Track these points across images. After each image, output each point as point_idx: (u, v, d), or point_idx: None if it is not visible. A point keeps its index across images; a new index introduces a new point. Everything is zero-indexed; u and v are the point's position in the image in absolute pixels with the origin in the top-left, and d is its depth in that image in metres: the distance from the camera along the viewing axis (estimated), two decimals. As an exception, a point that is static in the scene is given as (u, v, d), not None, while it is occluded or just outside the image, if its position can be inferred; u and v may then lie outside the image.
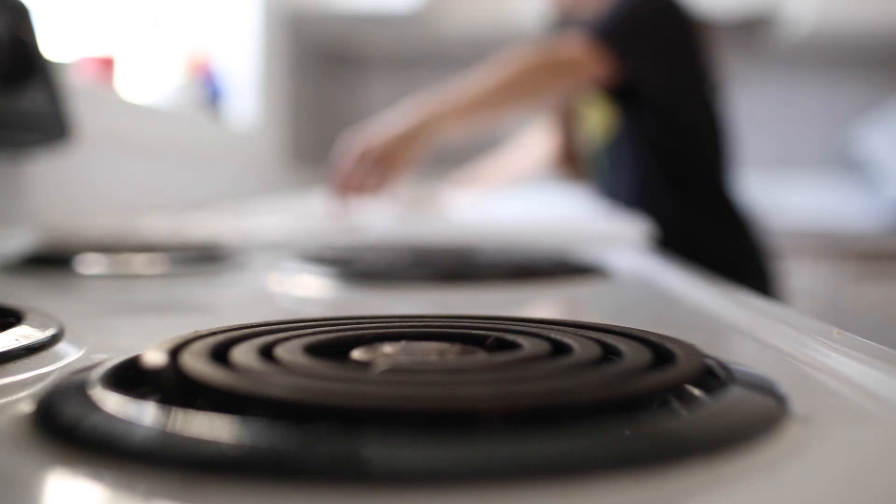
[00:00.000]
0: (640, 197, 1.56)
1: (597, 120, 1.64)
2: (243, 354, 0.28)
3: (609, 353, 0.29)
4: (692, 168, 1.57)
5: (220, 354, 0.28)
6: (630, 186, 1.59)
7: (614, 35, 1.42)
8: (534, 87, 1.42)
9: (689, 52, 1.53)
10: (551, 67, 1.41)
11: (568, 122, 1.86)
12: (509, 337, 0.31)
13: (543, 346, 0.29)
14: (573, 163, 1.92)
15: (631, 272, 0.80)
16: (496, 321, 0.35)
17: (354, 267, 0.69)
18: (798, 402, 0.26)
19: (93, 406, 0.24)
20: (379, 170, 1.29)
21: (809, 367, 0.34)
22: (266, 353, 0.28)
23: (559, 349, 0.29)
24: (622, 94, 1.49)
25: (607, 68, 1.42)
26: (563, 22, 1.75)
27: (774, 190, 2.58)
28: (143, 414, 0.22)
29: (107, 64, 1.52)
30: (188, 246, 0.83)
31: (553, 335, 0.31)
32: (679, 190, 1.56)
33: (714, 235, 1.55)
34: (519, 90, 1.41)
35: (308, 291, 0.65)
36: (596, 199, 1.76)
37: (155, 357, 0.27)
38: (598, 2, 1.56)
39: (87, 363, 0.30)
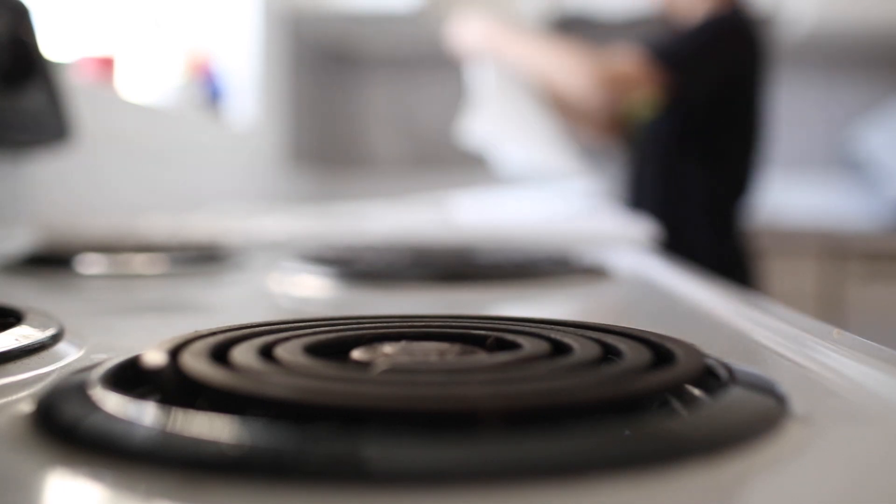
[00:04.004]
0: (645, 190, 1.72)
1: (644, 97, 1.75)
2: (243, 354, 0.27)
3: (609, 353, 0.29)
4: (716, 188, 1.72)
5: (220, 354, 0.28)
6: (644, 175, 1.75)
7: (669, 55, 1.61)
8: (581, 89, 1.62)
9: (744, 82, 1.69)
10: (606, 80, 1.60)
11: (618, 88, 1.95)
12: (509, 337, 0.31)
13: (543, 346, 0.29)
14: (616, 127, 1.95)
15: (631, 272, 0.80)
16: (496, 321, 0.35)
17: (354, 267, 0.69)
18: (798, 402, 0.26)
19: (93, 406, 0.23)
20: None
21: (809, 367, 0.34)
22: (266, 353, 0.28)
23: (559, 349, 0.29)
24: (671, 104, 1.66)
25: (660, 83, 1.60)
26: (662, 20, 1.90)
27: (774, 190, 2.58)
28: (143, 414, 0.22)
29: (107, 64, 1.52)
30: (188, 246, 0.83)
31: (553, 335, 0.31)
32: (699, 208, 1.70)
33: (708, 245, 1.68)
34: (568, 82, 1.63)
35: (308, 291, 0.65)
36: (599, 194, 1.79)
37: (155, 357, 0.27)
38: (696, 9, 1.71)
39: (87, 363, 0.30)
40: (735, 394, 0.26)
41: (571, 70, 1.60)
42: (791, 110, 2.67)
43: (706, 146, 1.70)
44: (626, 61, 1.62)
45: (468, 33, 1.69)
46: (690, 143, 1.69)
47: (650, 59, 1.61)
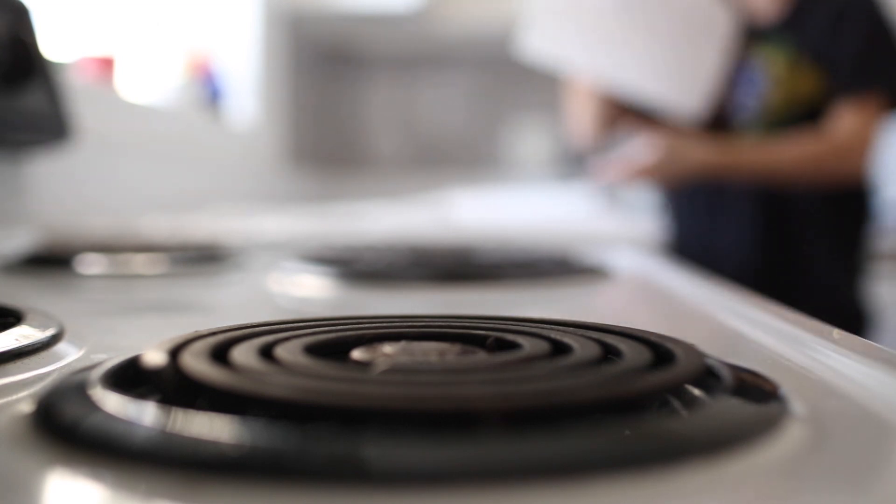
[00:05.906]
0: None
1: (785, 85, 1.45)
2: (243, 354, 0.28)
3: (609, 353, 0.29)
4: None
5: (220, 354, 0.28)
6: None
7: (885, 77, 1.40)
8: (817, 177, 1.42)
9: None
10: (835, 153, 1.40)
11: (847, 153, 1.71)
12: (509, 337, 0.31)
13: (543, 346, 0.29)
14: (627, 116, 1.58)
15: (631, 272, 0.80)
16: (496, 321, 0.35)
17: (354, 267, 0.69)
18: (798, 402, 0.26)
19: (93, 406, 0.23)
20: (649, 179, 1.35)
21: (809, 367, 0.34)
22: (266, 353, 0.28)
23: (559, 349, 0.29)
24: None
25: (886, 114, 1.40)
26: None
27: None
28: (143, 414, 0.22)
29: (107, 64, 1.52)
30: (188, 246, 0.83)
31: (553, 335, 0.31)
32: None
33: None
34: (806, 179, 1.41)
35: (308, 291, 0.65)
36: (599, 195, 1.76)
37: (155, 357, 0.27)
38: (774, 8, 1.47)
39: (87, 363, 0.30)
40: (735, 394, 0.26)
41: (805, 166, 1.40)
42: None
43: None
44: (848, 119, 1.38)
45: (696, 154, 1.34)
46: None
47: (872, 95, 1.37)
